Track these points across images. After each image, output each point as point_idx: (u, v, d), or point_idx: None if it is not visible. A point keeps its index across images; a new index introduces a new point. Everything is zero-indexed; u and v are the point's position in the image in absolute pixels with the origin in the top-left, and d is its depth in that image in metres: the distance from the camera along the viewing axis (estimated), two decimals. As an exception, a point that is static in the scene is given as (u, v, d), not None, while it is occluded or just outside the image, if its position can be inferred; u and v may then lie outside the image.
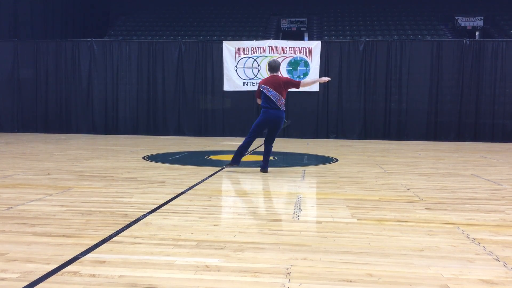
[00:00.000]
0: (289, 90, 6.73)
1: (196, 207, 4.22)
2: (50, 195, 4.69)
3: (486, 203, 4.67)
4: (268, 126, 6.62)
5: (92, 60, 15.85)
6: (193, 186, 5.36)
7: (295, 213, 4.06)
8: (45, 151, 9.50)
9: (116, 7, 25.37)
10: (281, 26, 23.34)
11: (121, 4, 25.25)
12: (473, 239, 3.29)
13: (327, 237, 3.29)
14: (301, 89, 7.10)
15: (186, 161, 8.43)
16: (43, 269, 2.53)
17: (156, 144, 11.95)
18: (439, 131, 14.96)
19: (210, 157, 9.11)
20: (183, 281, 2.41)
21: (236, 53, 15.29)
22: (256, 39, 17.57)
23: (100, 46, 15.91)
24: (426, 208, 4.35)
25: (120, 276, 2.45)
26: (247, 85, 15.24)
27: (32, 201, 4.37)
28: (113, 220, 3.65)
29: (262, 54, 15.18)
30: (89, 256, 2.78)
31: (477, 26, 22.34)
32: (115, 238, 3.15)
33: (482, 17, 22.40)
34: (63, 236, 3.20)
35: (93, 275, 2.46)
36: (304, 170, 7.07)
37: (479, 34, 22.33)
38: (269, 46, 15.26)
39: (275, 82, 6.47)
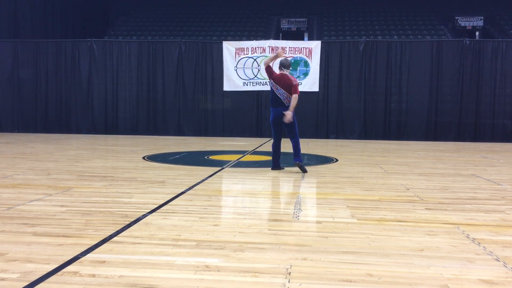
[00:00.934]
0: None
1: (196, 207, 4.22)
2: (50, 195, 4.69)
3: (486, 203, 4.67)
4: (279, 123, 6.79)
5: (92, 60, 15.84)
6: (193, 186, 5.36)
7: (295, 213, 4.06)
8: (45, 151, 9.50)
9: (116, 7, 25.37)
10: (281, 26, 23.35)
11: (121, 4, 25.25)
12: (473, 239, 3.29)
13: (327, 237, 3.28)
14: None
15: (186, 161, 8.43)
16: (43, 269, 2.53)
17: (156, 144, 11.95)
18: (439, 131, 14.96)
19: (210, 157, 9.11)
20: (183, 281, 2.41)
21: (236, 53, 15.28)
22: (256, 39, 17.57)
23: (100, 46, 15.90)
24: (426, 208, 4.35)
25: (120, 276, 2.45)
26: (247, 85, 15.23)
27: (32, 201, 4.37)
28: (113, 220, 3.65)
29: (262, 54, 15.16)
30: (89, 256, 2.78)
31: (477, 26, 22.35)
32: (115, 238, 3.15)
33: (482, 17, 22.40)
34: (63, 236, 3.20)
35: (93, 275, 2.46)
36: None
37: (479, 34, 22.34)
38: (269, 46, 15.25)
39: (285, 81, 6.66)
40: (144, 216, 3.82)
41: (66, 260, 2.67)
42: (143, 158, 8.52)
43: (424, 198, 4.89)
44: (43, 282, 2.35)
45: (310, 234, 3.40)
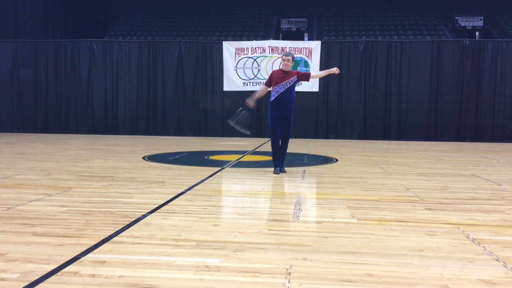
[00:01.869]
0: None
1: (196, 207, 4.22)
2: (50, 195, 4.69)
3: (486, 203, 4.67)
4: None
5: (92, 60, 15.85)
6: (193, 186, 5.35)
7: (295, 213, 4.05)
8: (45, 151, 9.50)
9: (116, 7, 25.36)
10: (281, 26, 23.34)
11: (121, 4, 25.25)
12: (473, 239, 3.28)
13: (327, 237, 3.28)
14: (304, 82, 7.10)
15: (186, 161, 8.43)
16: (43, 269, 2.53)
17: (156, 144, 11.95)
18: (439, 131, 14.96)
19: (210, 157, 9.11)
20: (183, 281, 2.41)
21: (236, 53, 15.29)
22: (256, 39, 17.57)
23: (100, 46, 15.90)
24: (426, 208, 4.35)
25: (120, 276, 2.45)
26: (247, 85, 15.24)
27: (32, 201, 4.37)
28: (113, 220, 3.65)
29: (262, 54, 15.18)
30: (89, 256, 2.78)
31: (477, 26, 22.34)
32: (115, 238, 3.15)
33: (482, 17, 22.39)
34: (63, 236, 3.20)
35: (93, 275, 2.46)
36: (304, 170, 7.07)
37: (479, 34, 22.33)
38: (269, 46, 15.26)
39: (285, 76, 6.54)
40: (144, 216, 3.82)
41: (66, 260, 2.67)
42: (143, 158, 8.52)
43: (424, 198, 4.89)
44: (43, 282, 2.35)
45: (310, 234, 3.40)
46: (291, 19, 23.37)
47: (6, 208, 4.04)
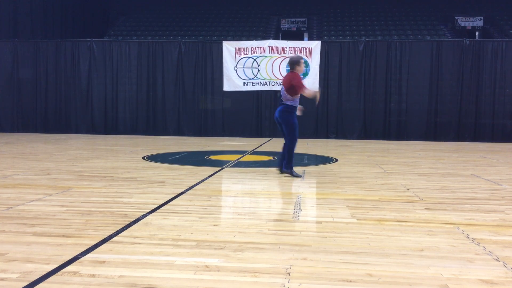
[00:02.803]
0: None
1: (196, 207, 4.22)
2: (50, 195, 4.69)
3: (486, 203, 4.67)
4: (278, 122, 6.42)
5: (92, 60, 15.84)
6: (193, 186, 5.35)
7: (295, 213, 4.05)
8: (45, 151, 9.50)
9: (115, 7, 25.37)
10: (281, 26, 23.35)
11: (121, 4, 25.25)
12: (473, 239, 3.29)
13: (327, 237, 3.28)
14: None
15: (186, 161, 8.43)
16: (43, 269, 2.53)
17: (156, 144, 11.94)
18: (439, 131, 14.96)
19: (210, 157, 9.11)
20: (183, 281, 2.41)
21: (236, 53, 15.28)
22: (256, 39, 17.57)
23: (100, 46, 15.90)
24: (426, 208, 4.35)
25: (120, 276, 2.45)
26: (247, 85, 15.23)
27: (32, 201, 4.37)
28: (113, 220, 3.65)
29: (262, 54, 15.17)
30: (89, 256, 2.77)
31: (477, 26, 22.35)
32: (115, 238, 3.15)
33: (482, 17, 22.40)
34: (63, 236, 3.20)
35: (93, 275, 2.46)
36: (304, 170, 7.07)
37: (479, 34, 22.34)
38: (269, 46, 15.25)
39: (285, 80, 6.34)
40: (144, 216, 3.82)
41: (66, 260, 2.67)
42: (143, 158, 8.52)
43: (424, 198, 4.89)
44: (43, 282, 2.35)
45: (310, 234, 3.40)
46: (291, 19, 23.38)
47: (6, 208, 4.04)
